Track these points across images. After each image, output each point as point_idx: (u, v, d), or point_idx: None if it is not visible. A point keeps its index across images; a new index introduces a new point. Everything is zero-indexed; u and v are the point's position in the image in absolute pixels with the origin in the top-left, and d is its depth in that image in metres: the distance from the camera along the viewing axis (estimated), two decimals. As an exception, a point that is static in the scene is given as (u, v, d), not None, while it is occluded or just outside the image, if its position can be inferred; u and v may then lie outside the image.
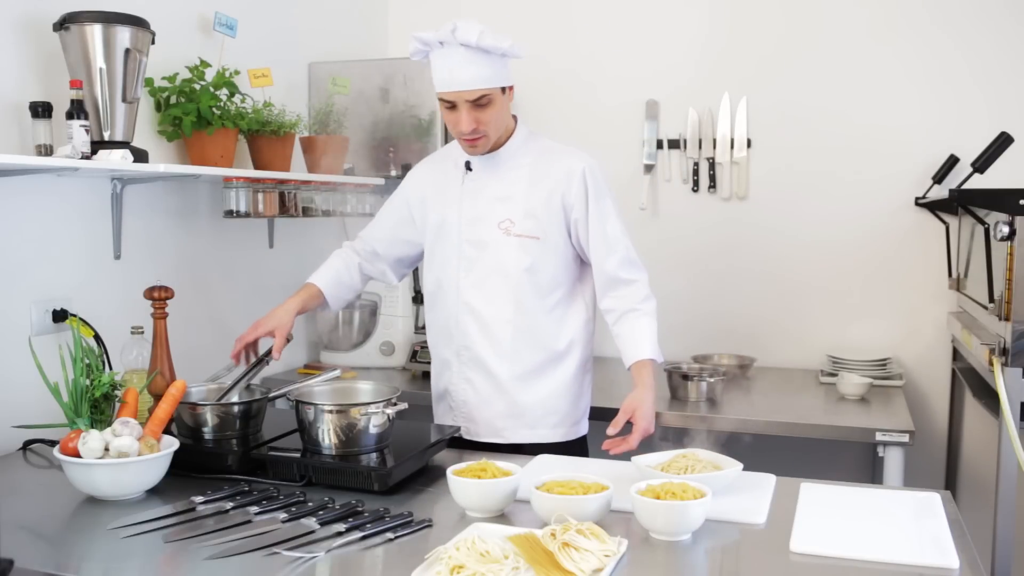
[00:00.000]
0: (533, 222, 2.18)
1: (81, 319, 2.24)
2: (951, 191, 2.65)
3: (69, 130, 2.09)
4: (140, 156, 2.25)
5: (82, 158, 2.08)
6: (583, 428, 2.33)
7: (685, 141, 3.47)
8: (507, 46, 2.03)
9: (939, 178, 3.15)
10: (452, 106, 2.08)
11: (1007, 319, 2.27)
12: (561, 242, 2.21)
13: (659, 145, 3.49)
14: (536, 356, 2.22)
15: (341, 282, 2.36)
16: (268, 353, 2.17)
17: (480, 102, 2.06)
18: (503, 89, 2.11)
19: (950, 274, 3.18)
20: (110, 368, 2.20)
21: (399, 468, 1.82)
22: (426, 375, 3.15)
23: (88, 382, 1.87)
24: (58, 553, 1.51)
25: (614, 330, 2.22)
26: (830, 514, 1.66)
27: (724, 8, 3.41)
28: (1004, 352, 2.25)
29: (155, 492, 1.79)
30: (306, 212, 2.94)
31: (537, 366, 2.23)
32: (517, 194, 2.19)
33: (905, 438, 2.50)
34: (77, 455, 1.73)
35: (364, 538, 1.53)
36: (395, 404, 1.90)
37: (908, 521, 1.62)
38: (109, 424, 1.81)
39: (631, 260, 2.21)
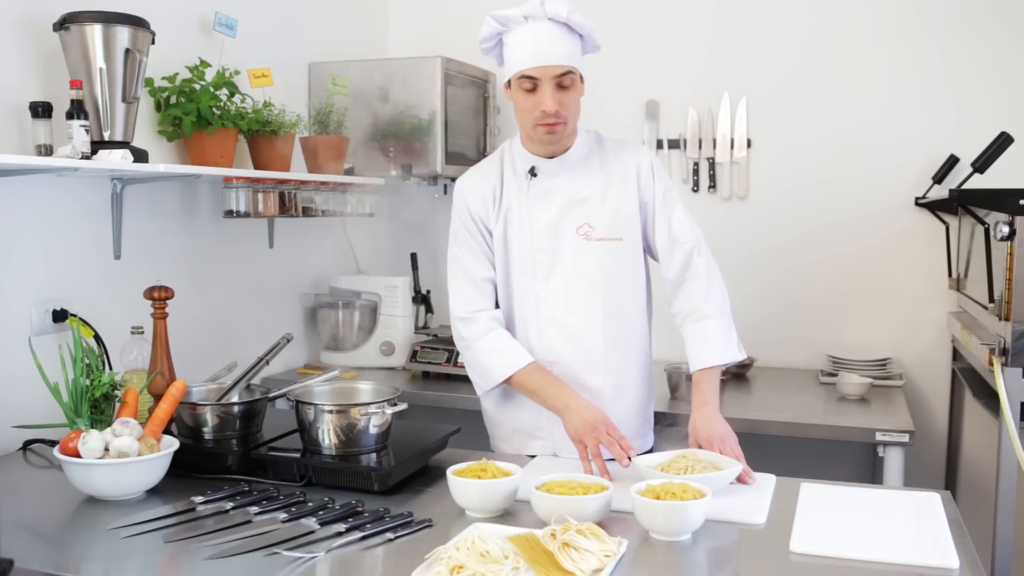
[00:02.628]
0: (614, 224, 2.08)
1: (81, 319, 2.24)
2: (951, 191, 2.65)
3: (69, 130, 2.09)
4: (140, 156, 2.25)
5: (82, 158, 2.08)
6: (652, 436, 2.24)
7: (685, 141, 3.47)
8: (591, 27, 2.00)
9: (939, 178, 3.15)
10: (533, 88, 1.96)
11: (1007, 319, 2.27)
12: (638, 240, 2.11)
13: (659, 145, 3.49)
14: (629, 363, 2.13)
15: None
16: (276, 345, 2.13)
17: (564, 81, 1.96)
18: (581, 78, 2.02)
19: (950, 274, 3.18)
20: (110, 368, 2.19)
21: (399, 468, 1.82)
22: (427, 375, 3.16)
23: (88, 382, 1.87)
24: (58, 553, 1.51)
25: (681, 334, 2.11)
26: (830, 514, 1.66)
27: (724, 8, 3.41)
28: (1004, 352, 2.25)
29: (155, 492, 1.79)
30: (306, 212, 2.94)
31: (631, 373, 2.14)
32: (593, 196, 2.08)
33: (905, 438, 2.50)
34: (77, 455, 1.73)
35: (364, 538, 1.53)
36: (395, 404, 1.90)
37: (908, 521, 1.62)
38: (109, 424, 1.81)
39: (694, 254, 2.08)
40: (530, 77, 1.96)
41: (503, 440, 2.22)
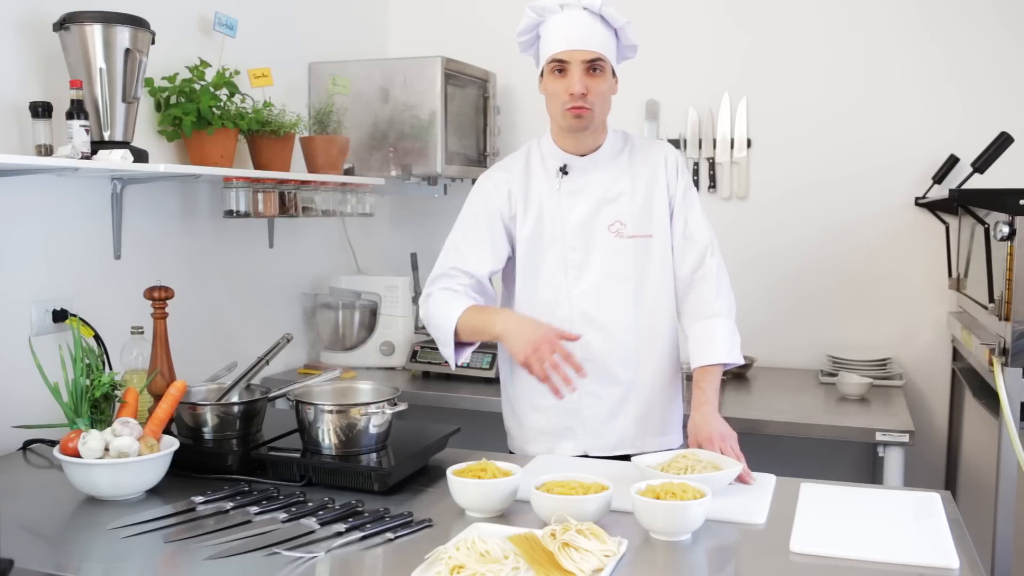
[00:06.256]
0: (645, 220, 2.11)
1: (81, 319, 2.24)
2: (951, 191, 2.65)
3: (69, 130, 2.09)
4: (140, 156, 2.25)
5: (82, 158, 2.08)
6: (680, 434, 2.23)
7: (685, 141, 3.47)
8: (624, 22, 2.03)
9: (939, 178, 3.15)
10: (562, 72, 1.99)
11: (1007, 319, 2.27)
12: (667, 236, 2.13)
13: (659, 145, 3.49)
14: (660, 358, 2.15)
15: None
16: (276, 345, 2.12)
17: (594, 65, 1.99)
18: (613, 73, 2.05)
19: (950, 274, 3.18)
20: (110, 368, 2.20)
21: (399, 468, 1.82)
22: (427, 375, 3.16)
23: (88, 382, 1.87)
24: (58, 553, 1.51)
25: (686, 332, 2.14)
26: (830, 514, 1.66)
27: (724, 8, 3.41)
28: (1004, 352, 2.25)
29: (155, 492, 1.79)
30: (306, 212, 2.94)
31: (662, 368, 2.15)
32: (625, 193, 2.11)
33: (905, 438, 2.50)
34: (77, 455, 1.73)
35: (364, 538, 1.53)
36: (395, 404, 1.90)
37: (908, 521, 1.62)
38: (109, 424, 1.81)
39: (707, 254, 2.12)
40: (560, 60, 2.00)
41: (528, 442, 2.20)
